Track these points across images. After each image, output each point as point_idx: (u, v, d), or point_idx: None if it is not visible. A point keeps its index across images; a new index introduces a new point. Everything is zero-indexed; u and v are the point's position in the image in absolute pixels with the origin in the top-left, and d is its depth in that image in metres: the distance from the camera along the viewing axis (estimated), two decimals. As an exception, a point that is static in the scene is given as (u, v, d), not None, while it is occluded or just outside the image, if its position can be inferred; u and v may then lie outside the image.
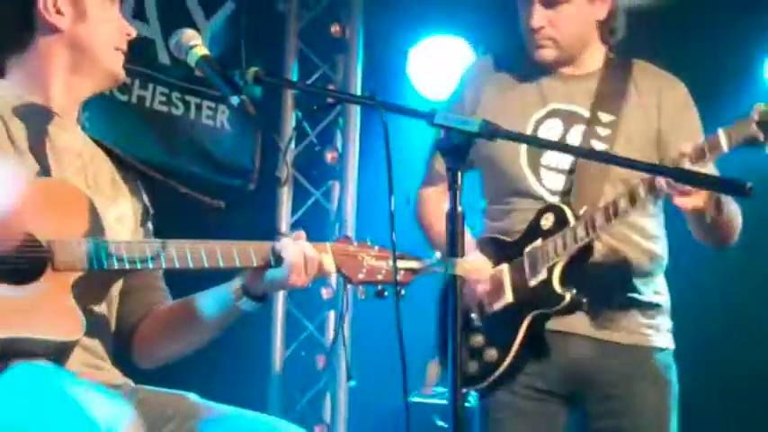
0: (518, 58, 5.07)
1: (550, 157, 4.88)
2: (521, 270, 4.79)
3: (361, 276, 3.97)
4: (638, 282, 4.89)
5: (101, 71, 3.97)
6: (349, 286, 4.01)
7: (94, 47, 3.93)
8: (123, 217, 3.97)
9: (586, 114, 4.91)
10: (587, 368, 4.83)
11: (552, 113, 4.94)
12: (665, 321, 4.95)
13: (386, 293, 3.95)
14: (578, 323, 4.78)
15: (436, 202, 5.01)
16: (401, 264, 3.93)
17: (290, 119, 8.14)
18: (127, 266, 3.73)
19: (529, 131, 4.89)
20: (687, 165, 4.37)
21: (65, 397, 3.28)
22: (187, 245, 3.78)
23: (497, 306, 4.81)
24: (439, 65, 8.09)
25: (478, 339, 4.84)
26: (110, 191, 3.98)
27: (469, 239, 4.84)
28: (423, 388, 5.80)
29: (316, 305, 8.05)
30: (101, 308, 3.84)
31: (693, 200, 4.39)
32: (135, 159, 4.15)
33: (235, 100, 3.62)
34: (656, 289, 4.95)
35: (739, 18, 7.64)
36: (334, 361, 7.90)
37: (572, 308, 4.71)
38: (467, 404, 5.56)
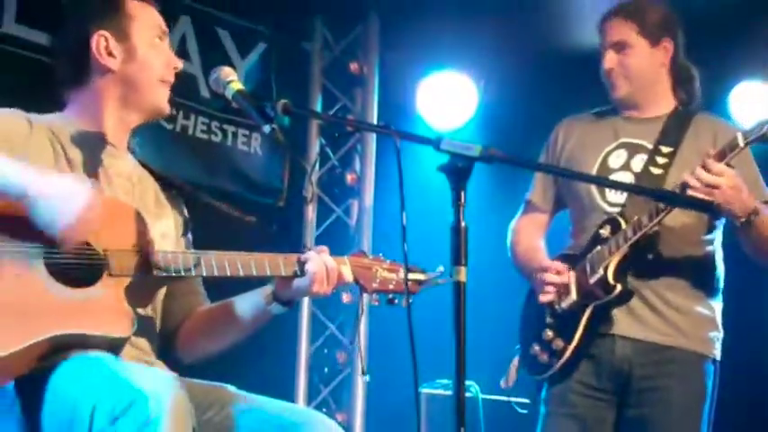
0: (605, 110, 5.19)
1: (616, 177, 4.94)
2: (583, 272, 4.85)
3: (374, 286, 3.99)
4: (682, 284, 4.90)
5: (148, 105, 3.98)
6: (365, 295, 4.02)
7: (143, 83, 3.94)
8: (167, 232, 3.97)
9: (650, 146, 4.97)
10: (628, 364, 4.84)
11: (621, 145, 5.02)
12: (709, 330, 4.92)
13: (396, 301, 3.97)
14: (608, 326, 4.83)
15: (528, 233, 5.19)
16: (411, 276, 3.96)
17: (315, 145, 8.14)
18: (172, 274, 3.75)
19: (599, 161, 5.00)
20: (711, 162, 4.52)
21: (115, 372, 3.33)
22: (225, 256, 3.78)
23: (565, 304, 4.87)
24: (444, 97, 8.11)
25: (549, 334, 4.91)
26: (154, 209, 3.97)
27: (544, 254, 5.13)
28: (503, 382, 5.82)
29: (337, 308, 8.02)
30: (147, 310, 3.84)
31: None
32: (177, 179, 4.17)
33: (266, 129, 3.63)
34: (705, 293, 4.94)
35: (707, 55, 7.63)
36: (352, 357, 7.89)
37: (623, 297, 4.79)
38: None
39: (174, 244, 3.98)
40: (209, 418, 3.74)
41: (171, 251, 3.81)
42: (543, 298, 4.89)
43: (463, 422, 3.27)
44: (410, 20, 7.88)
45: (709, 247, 4.97)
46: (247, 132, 7.69)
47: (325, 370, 7.97)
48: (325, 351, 8.00)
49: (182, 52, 7.33)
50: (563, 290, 4.88)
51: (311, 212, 8.14)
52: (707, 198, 4.51)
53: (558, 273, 4.88)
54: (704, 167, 4.52)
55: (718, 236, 5.00)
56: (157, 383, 3.26)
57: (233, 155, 7.65)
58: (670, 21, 5.07)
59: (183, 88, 7.24)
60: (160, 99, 3.99)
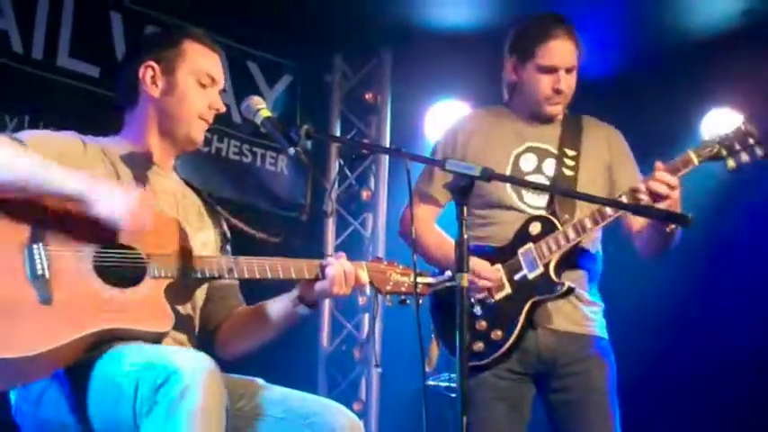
0: (501, 110, 5.05)
1: (531, 180, 4.85)
2: (517, 267, 4.71)
3: (388, 288, 4.00)
4: (591, 282, 4.87)
5: (181, 135, 3.95)
6: (379, 296, 4.01)
7: (179, 115, 3.93)
8: (207, 243, 3.98)
9: (555, 151, 4.89)
10: (555, 353, 4.75)
11: (528, 149, 4.90)
12: (601, 316, 4.88)
13: (407, 302, 3.99)
14: (545, 319, 4.74)
15: (427, 222, 4.96)
16: (420, 279, 3.98)
17: (334, 165, 8.18)
18: (207, 276, 3.78)
19: (510, 163, 4.87)
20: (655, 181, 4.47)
21: (155, 353, 3.39)
22: (255, 261, 3.81)
23: (498, 297, 4.70)
24: (449, 123, 8.09)
25: (482, 324, 4.72)
26: (196, 222, 3.98)
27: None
28: (427, 365, 5.74)
29: (353, 309, 8.03)
30: (187, 308, 3.86)
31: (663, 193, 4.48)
32: (214, 199, 4.16)
33: (291, 151, 3.62)
34: (595, 290, 4.90)
35: (680, 86, 7.64)
36: (368, 353, 7.88)
37: (567, 293, 4.69)
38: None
39: (212, 253, 3.99)
40: (241, 407, 3.74)
41: (207, 255, 3.83)
42: (480, 296, 4.71)
43: (466, 411, 3.28)
44: (418, 55, 7.88)
45: (599, 245, 4.96)
46: (274, 154, 7.71)
47: (343, 364, 7.97)
48: (343, 348, 8.00)
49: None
50: (493, 283, 4.71)
51: (331, 225, 8.17)
52: (655, 205, 4.43)
53: (489, 276, 4.70)
54: (658, 179, 4.46)
55: (599, 240, 4.97)
56: (193, 359, 3.32)
57: (261, 174, 7.67)
58: None
59: (218, 116, 7.25)
60: (193, 132, 3.96)
